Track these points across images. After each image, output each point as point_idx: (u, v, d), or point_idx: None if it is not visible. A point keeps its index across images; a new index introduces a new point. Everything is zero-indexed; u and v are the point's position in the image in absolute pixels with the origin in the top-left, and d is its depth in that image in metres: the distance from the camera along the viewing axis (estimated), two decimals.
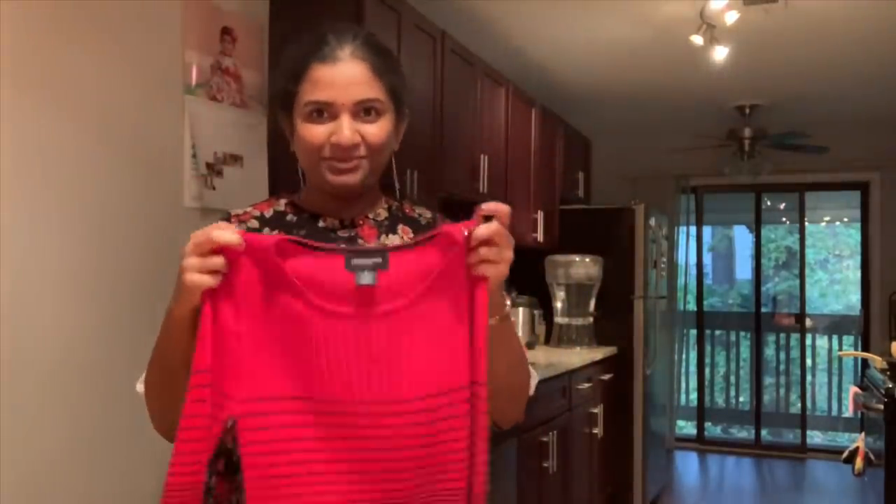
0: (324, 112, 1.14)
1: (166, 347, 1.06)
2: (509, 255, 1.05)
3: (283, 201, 1.26)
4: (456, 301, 1.02)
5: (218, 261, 0.97)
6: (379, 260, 0.99)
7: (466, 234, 1.00)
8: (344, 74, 1.14)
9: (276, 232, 1.20)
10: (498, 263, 1.03)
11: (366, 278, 0.99)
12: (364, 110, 1.15)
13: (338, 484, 1.00)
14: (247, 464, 0.98)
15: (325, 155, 1.15)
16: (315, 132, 1.14)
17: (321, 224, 1.22)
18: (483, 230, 1.01)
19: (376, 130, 1.16)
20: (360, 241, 1.21)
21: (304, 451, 0.99)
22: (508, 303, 1.15)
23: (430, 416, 1.00)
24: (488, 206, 1.02)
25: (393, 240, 1.23)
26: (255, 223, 1.22)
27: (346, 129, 1.13)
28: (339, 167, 1.15)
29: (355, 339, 0.99)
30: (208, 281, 0.97)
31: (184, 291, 0.98)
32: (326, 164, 1.15)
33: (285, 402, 0.99)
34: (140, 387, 1.16)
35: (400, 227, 1.26)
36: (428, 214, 1.30)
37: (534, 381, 1.26)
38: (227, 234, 0.97)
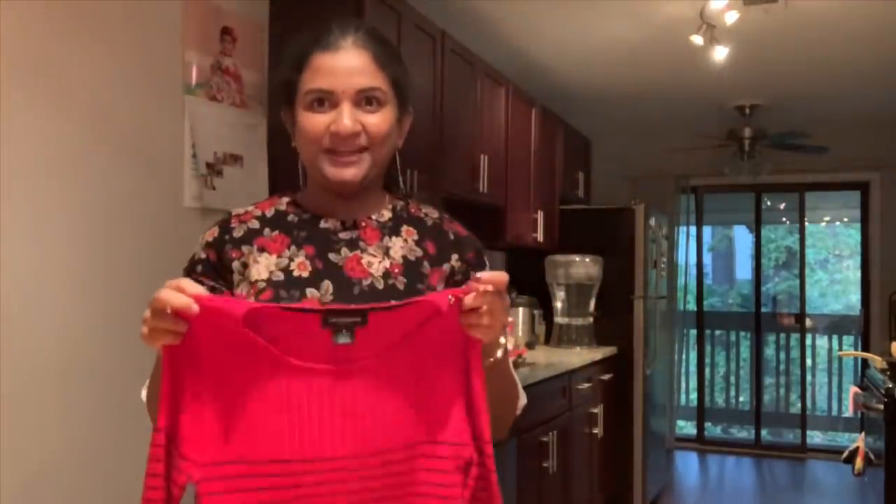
0: (325, 101, 1.13)
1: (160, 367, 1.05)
2: (505, 319, 1.02)
3: (285, 200, 1.24)
4: (441, 357, 1.00)
5: (168, 324, 0.92)
6: (358, 319, 0.97)
7: (452, 301, 0.97)
8: (345, 62, 1.13)
9: (275, 233, 1.19)
10: (493, 328, 1.00)
11: (343, 337, 0.97)
12: (366, 100, 1.13)
13: None
14: None
15: (325, 145, 1.13)
16: (315, 121, 1.13)
17: (323, 225, 1.20)
18: (475, 300, 0.97)
19: (377, 121, 1.14)
20: (361, 242, 1.19)
21: None
22: (503, 340, 1.13)
23: (403, 468, 0.99)
24: (485, 278, 0.98)
25: (396, 242, 1.21)
26: (255, 223, 1.20)
27: (347, 117, 1.11)
28: (340, 159, 1.13)
29: (329, 396, 0.96)
30: (159, 340, 0.93)
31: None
32: (326, 156, 1.14)
33: (252, 466, 0.96)
34: (144, 393, 1.15)
35: (403, 228, 1.23)
36: (434, 214, 1.28)
37: (521, 402, 1.24)
38: (179, 298, 0.91)
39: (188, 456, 0.95)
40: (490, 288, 0.97)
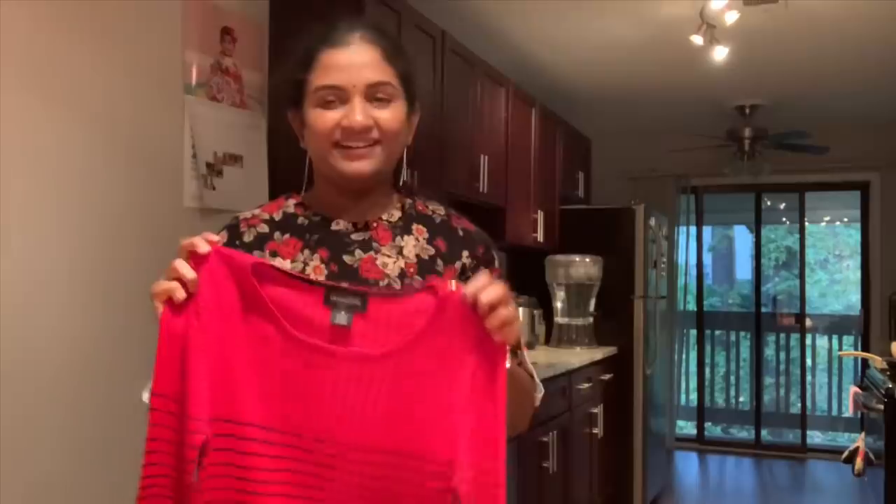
0: (335, 98, 1.12)
1: None
2: (517, 314, 1.02)
3: (291, 202, 1.23)
4: (453, 365, 0.95)
5: (183, 267, 0.95)
6: (357, 302, 0.96)
7: (454, 287, 0.96)
8: (355, 57, 1.13)
9: (286, 236, 1.18)
10: (513, 324, 0.99)
11: (341, 318, 0.95)
12: (376, 97, 1.13)
13: None
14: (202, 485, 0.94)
15: (337, 139, 1.13)
16: (326, 117, 1.13)
17: (334, 227, 1.19)
18: (494, 293, 0.96)
19: (389, 115, 1.14)
20: (374, 243, 1.18)
21: (255, 481, 0.94)
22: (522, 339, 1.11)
23: (387, 473, 0.95)
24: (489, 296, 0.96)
25: (408, 241, 1.20)
26: (264, 227, 1.19)
27: (359, 112, 1.11)
28: (353, 152, 1.13)
29: (323, 376, 0.95)
30: (167, 294, 0.95)
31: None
32: (339, 150, 1.13)
33: (245, 428, 0.95)
34: (146, 396, 1.13)
35: (414, 226, 1.22)
36: (441, 211, 1.27)
37: (539, 395, 1.22)
38: (193, 239, 0.97)
39: (197, 415, 0.94)
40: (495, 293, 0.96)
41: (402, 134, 1.18)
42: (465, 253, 1.23)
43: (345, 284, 1.02)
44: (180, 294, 0.95)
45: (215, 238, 0.98)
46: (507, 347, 0.98)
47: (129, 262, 2.04)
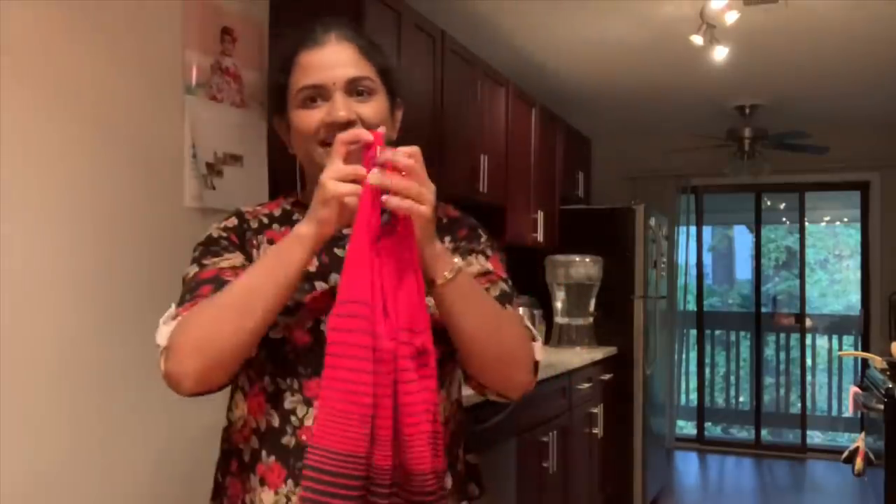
0: (316, 98, 1.14)
1: (275, 267, 1.05)
2: (429, 196, 1.03)
3: (290, 200, 1.28)
4: (402, 249, 1.02)
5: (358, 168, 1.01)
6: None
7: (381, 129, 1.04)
8: (332, 56, 1.14)
9: (283, 228, 1.21)
10: (420, 203, 1.01)
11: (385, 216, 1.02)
12: (357, 91, 1.15)
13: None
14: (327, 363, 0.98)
15: (322, 137, 1.14)
16: (310, 117, 1.14)
17: None
18: (395, 155, 1.02)
19: (371, 110, 1.15)
20: None
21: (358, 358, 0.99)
22: (457, 259, 1.10)
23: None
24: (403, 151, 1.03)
25: None
26: (265, 219, 1.23)
27: (341, 106, 1.13)
28: None
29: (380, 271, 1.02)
30: (351, 189, 0.99)
31: (331, 206, 1.00)
32: (325, 148, 1.13)
33: (357, 307, 0.99)
34: (165, 331, 1.09)
35: None
36: None
37: (537, 346, 1.19)
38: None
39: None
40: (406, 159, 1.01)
41: (387, 128, 1.18)
42: (447, 239, 1.25)
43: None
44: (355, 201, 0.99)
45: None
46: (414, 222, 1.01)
47: (129, 262, 2.04)
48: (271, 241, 1.19)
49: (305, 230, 1.03)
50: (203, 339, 1.04)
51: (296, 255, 1.03)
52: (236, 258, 1.17)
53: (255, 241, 1.20)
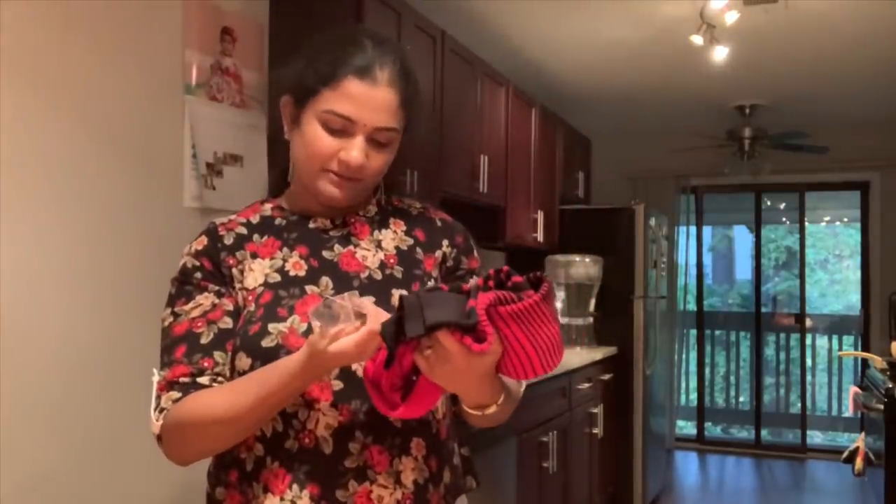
0: (341, 128, 1.13)
1: (278, 390, 1.04)
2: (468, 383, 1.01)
3: (268, 206, 1.25)
4: None
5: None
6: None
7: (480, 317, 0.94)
8: (377, 100, 1.12)
9: (265, 238, 1.20)
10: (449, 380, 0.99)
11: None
12: (377, 139, 1.14)
13: None
14: None
15: (331, 168, 1.14)
16: (327, 143, 1.13)
17: (312, 225, 1.21)
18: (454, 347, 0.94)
19: (381, 162, 1.17)
20: (353, 238, 1.21)
21: None
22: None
23: None
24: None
25: (386, 234, 1.23)
26: (243, 230, 1.20)
27: (359, 151, 1.13)
28: (337, 180, 1.15)
29: None
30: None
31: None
32: (328, 175, 1.14)
33: None
34: (154, 419, 1.11)
35: (392, 220, 1.26)
36: (417, 205, 1.31)
37: (521, 387, 1.22)
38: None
39: None
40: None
41: (386, 166, 1.20)
42: (445, 242, 1.26)
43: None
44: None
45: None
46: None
47: (129, 262, 2.04)
48: (255, 256, 1.17)
49: (304, 383, 1.04)
50: (199, 452, 1.13)
51: (296, 388, 1.05)
52: (207, 299, 1.15)
53: (231, 260, 1.17)
